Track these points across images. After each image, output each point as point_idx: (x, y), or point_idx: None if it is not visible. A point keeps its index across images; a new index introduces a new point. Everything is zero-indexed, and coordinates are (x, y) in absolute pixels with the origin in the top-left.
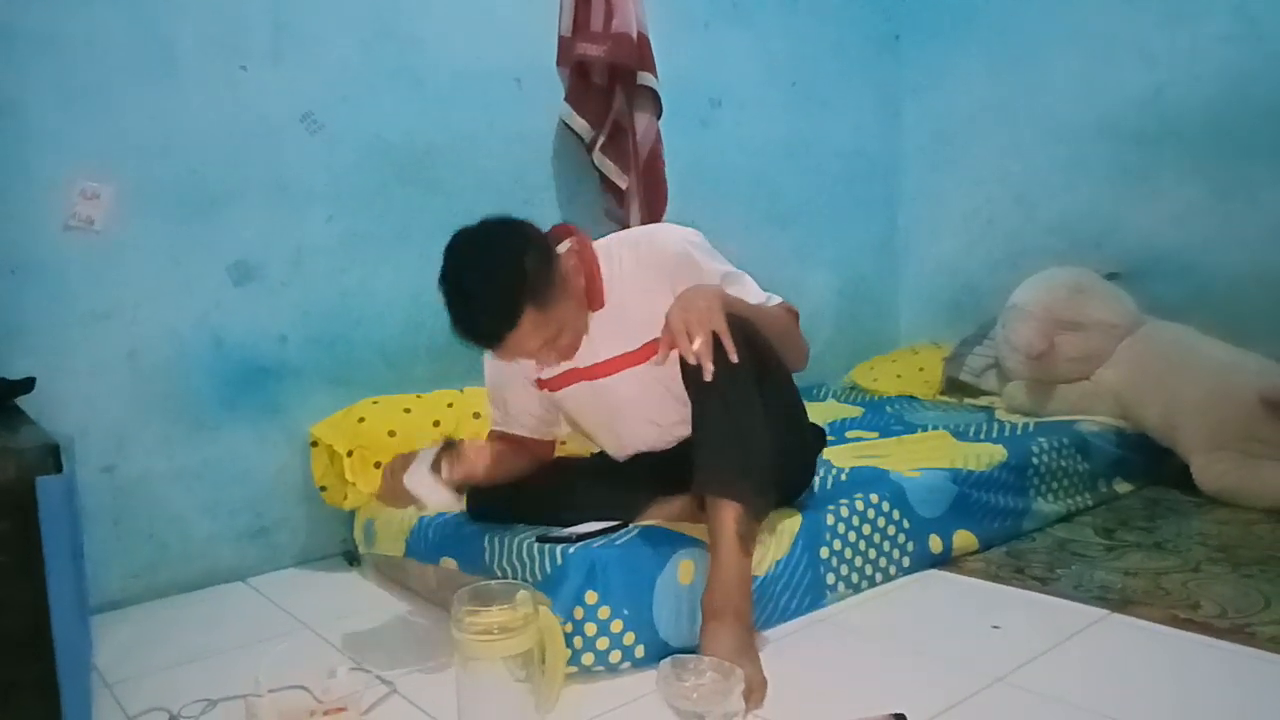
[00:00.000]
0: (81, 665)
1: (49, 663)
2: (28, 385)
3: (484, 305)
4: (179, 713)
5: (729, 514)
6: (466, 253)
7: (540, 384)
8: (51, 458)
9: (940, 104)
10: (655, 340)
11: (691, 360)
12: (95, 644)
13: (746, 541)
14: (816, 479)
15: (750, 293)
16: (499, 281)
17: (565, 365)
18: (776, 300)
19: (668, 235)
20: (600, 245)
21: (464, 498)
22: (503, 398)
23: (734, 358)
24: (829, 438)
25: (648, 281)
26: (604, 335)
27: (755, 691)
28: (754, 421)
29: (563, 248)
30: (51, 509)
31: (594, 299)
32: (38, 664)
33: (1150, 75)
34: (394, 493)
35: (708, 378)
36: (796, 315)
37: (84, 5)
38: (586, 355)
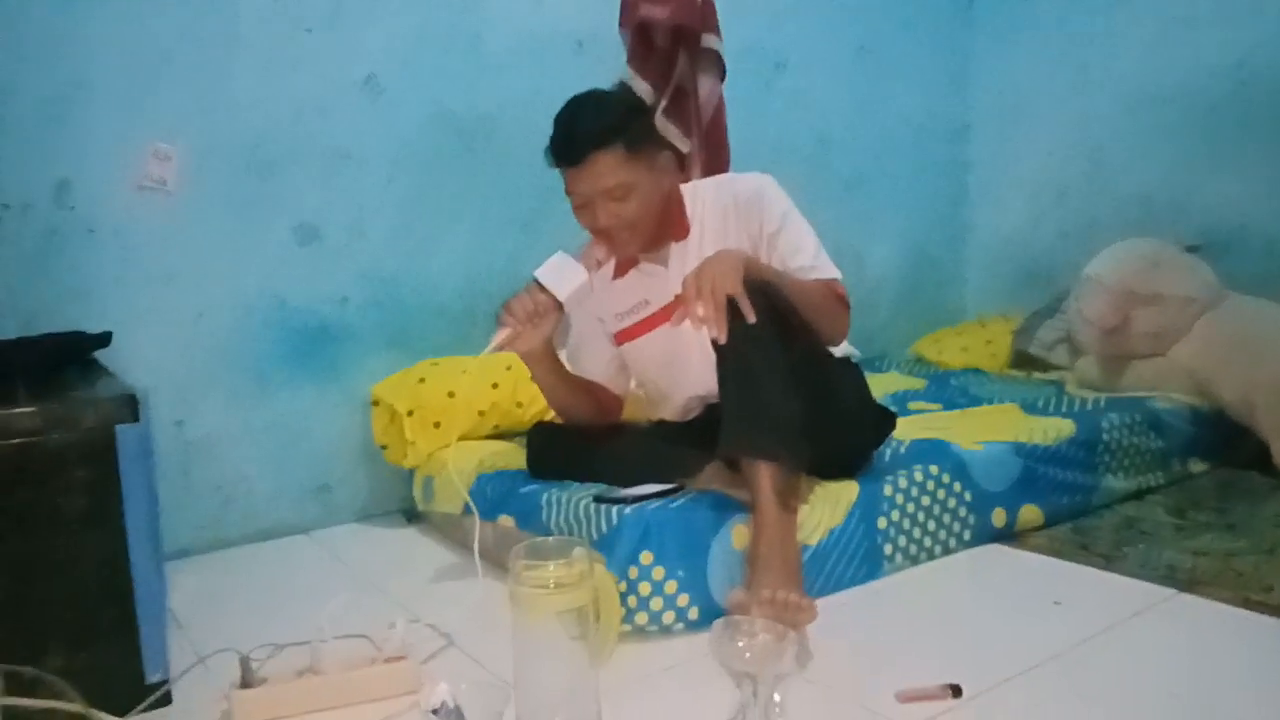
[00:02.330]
0: (158, 607)
1: (128, 602)
2: (105, 339)
3: (587, 117)
4: (248, 655)
5: (762, 473)
6: (589, 91)
7: (618, 337)
8: (129, 407)
9: (1012, 70)
10: None
11: (696, 326)
12: (168, 589)
13: (786, 497)
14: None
15: (806, 248)
16: (609, 105)
17: (643, 313)
18: (830, 275)
19: (746, 178)
20: (686, 186)
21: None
22: (579, 342)
23: (750, 318)
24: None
25: (725, 221)
26: (679, 272)
27: (805, 613)
28: (775, 381)
29: (666, 157)
30: (130, 456)
31: (680, 226)
32: (118, 603)
33: (1233, 39)
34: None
35: (720, 340)
36: (842, 297)
37: None
38: (663, 293)
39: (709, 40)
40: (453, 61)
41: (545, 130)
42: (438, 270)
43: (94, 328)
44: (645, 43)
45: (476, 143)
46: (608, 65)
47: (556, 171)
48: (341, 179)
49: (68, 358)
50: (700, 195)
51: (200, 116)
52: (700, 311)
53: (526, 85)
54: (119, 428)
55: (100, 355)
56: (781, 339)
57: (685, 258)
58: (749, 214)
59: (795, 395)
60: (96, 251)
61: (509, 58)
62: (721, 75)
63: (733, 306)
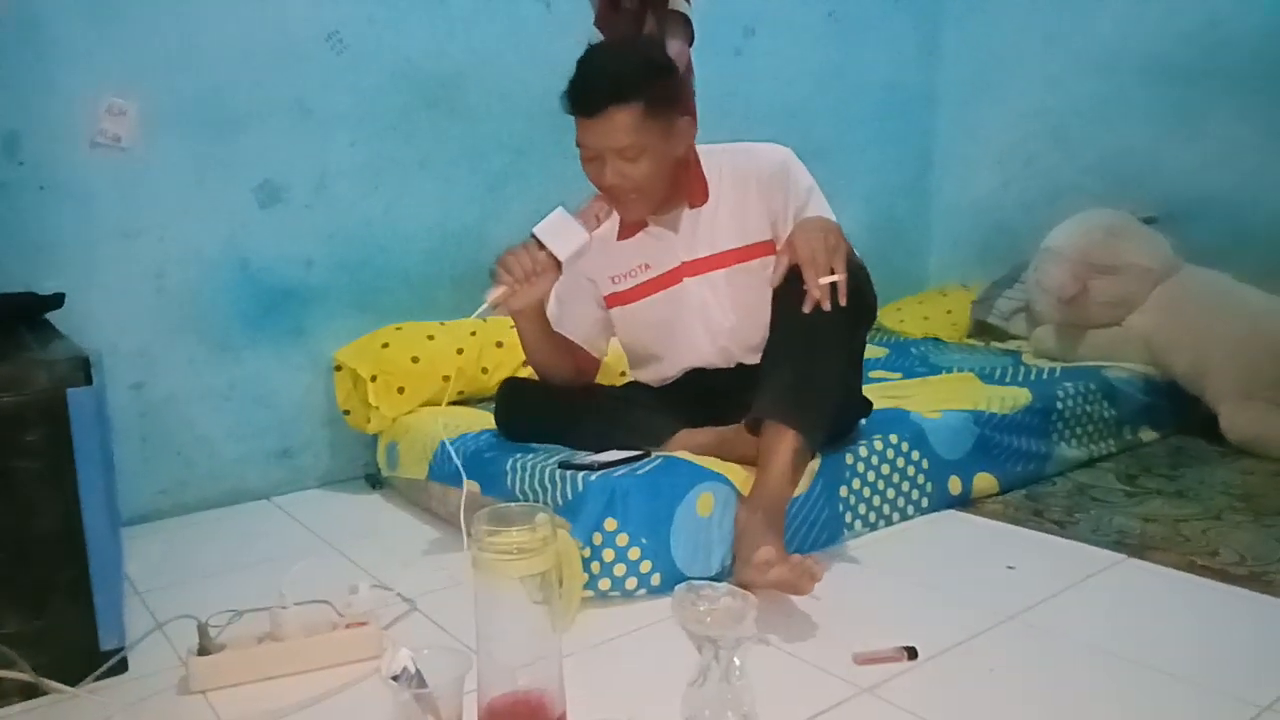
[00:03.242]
0: (113, 572)
1: (83, 567)
2: (58, 300)
3: (609, 67)
4: (207, 621)
5: (788, 441)
6: (622, 41)
7: (610, 300)
8: (82, 370)
9: (982, 35)
10: (739, 248)
11: (816, 294)
12: (125, 555)
13: (797, 471)
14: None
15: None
16: (635, 58)
17: (641, 277)
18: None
19: (769, 150)
20: (702, 149)
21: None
22: (562, 299)
23: (843, 300)
24: None
25: (744, 191)
26: (689, 239)
27: (816, 580)
28: (836, 364)
29: (686, 122)
30: (83, 419)
31: (698, 191)
32: (72, 568)
33: (1205, 6)
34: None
35: (808, 309)
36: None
37: None
38: (667, 258)
39: (677, 2)
40: (419, 18)
41: (512, 88)
42: (403, 233)
43: (48, 288)
44: (613, 3)
45: (443, 101)
46: (576, 25)
47: (523, 132)
48: (305, 137)
49: (18, 319)
50: (718, 162)
51: (159, 71)
52: (823, 281)
53: (494, 44)
54: (71, 391)
55: (54, 316)
56: (851, 319)
57: (697, 225)
58: (772, 188)
59: (844, 379)
60: (49, 209)
61: (476, 15)
62: (690, 38)
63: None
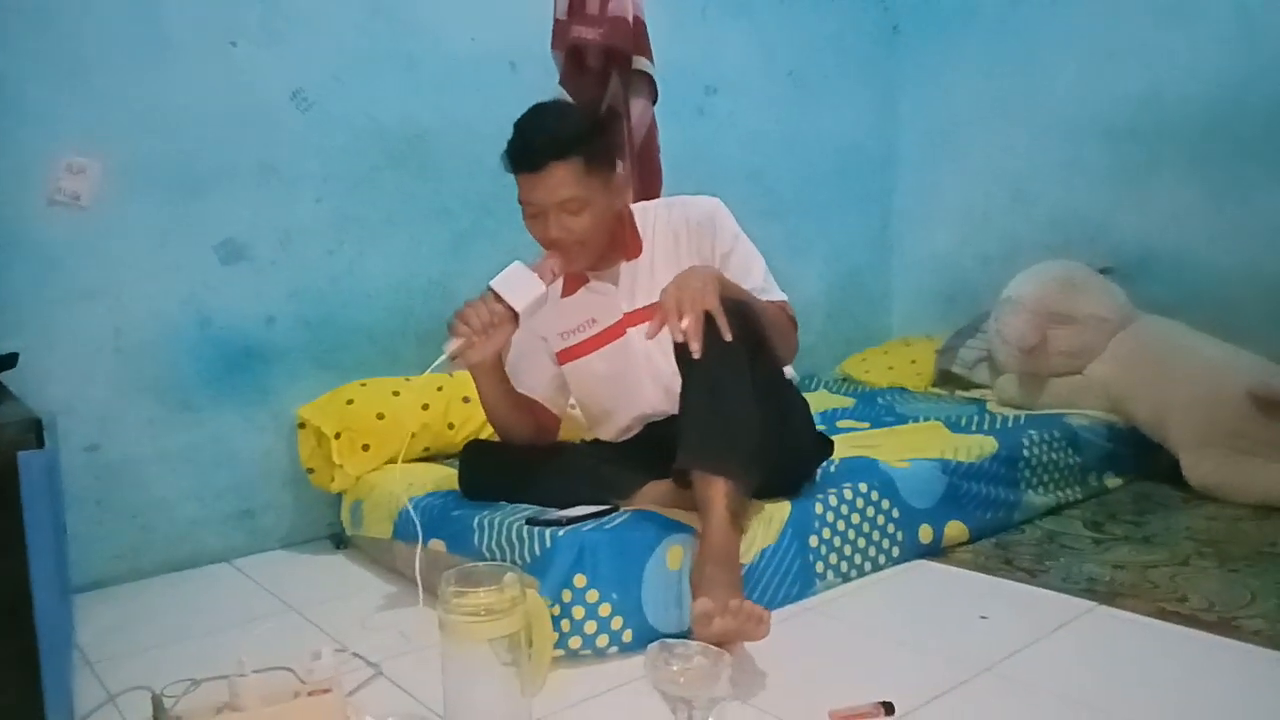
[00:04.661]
0: (63, 642)
1: (29, 638)
2: (10, 361)
3: (549, 125)
4: (162, 692)
5: (718, 490)
6: (553, 100)
7: (561, 356)
8: (33, 433)
9: (938, 98)
10: None
11: (678, 337)
12: (78, 623)
13: (738, 517)
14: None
15: (756, 271)
16: (572, 116)
17: (589, 331)
18: (779, 297)
19: (697, 201)
20: (637, 206)
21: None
22: (519, 358)
23: (727, 336)
24: (819, 427)
25: (676, 242)
26: (629, 290)
27: (764, 624)
28: (743, 400)
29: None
30: (33, 484)
31: (632, 245)
32: (18, 639)
33: (1149, 74)
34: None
35: (695, 355)
36: (793, 320)
37: None
38: (611, 311)
39: (640, 63)
40: (384, 78)
41: (478, 148)
42: (367, 290)
43: (3, 349)
44: (577, 64)
45: (407, 160)
46: (541, 85)
47: (488, 191)
48: (268, 195)
49: None
50: (651, 216)
51: (121, 129)
52: (684, 324)
53: (459, 104)
54: (21, 454)
55: (6, 377)
56: (750, 358)
57: (635, 277)
58: (700, 236)
59: (758, 415)
60: (6, 269)
61: (442, 76)
62: (653, 97)
63: (707, 322)
